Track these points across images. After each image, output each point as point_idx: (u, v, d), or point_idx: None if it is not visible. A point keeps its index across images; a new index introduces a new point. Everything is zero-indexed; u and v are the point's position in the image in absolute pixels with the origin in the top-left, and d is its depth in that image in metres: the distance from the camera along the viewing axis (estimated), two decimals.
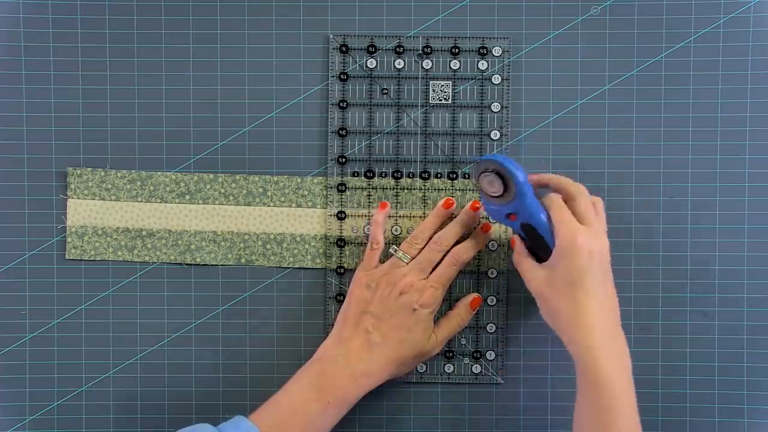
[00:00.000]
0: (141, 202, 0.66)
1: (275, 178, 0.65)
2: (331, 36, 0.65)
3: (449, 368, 0.66)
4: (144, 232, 0.66)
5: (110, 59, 0.66)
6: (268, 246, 0.66)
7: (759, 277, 0.66)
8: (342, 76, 0.65)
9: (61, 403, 0.66)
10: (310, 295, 0.66)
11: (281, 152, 0.66)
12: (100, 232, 0.65)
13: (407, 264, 0.62)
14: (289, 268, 0.66)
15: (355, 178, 0.66)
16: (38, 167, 0.66)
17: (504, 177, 0.58)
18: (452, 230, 0.63)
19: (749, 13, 0.66)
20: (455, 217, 0.64)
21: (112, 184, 0.65)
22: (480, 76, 0.65)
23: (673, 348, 0.66)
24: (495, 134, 0.65)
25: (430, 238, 0.63)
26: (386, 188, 0.66)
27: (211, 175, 0.66)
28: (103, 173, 0.65)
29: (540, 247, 0.59)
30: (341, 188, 0.66)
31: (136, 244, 0.66)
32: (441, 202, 0.64)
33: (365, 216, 0.66)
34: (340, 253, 0.66)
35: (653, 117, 0.66)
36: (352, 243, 0.66)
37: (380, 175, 0.66)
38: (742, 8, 0.66)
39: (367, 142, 0.66)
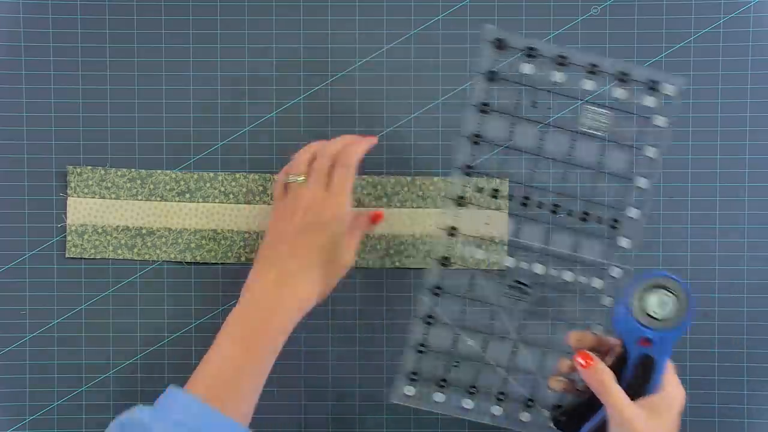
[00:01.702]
0: (141, 200, 0.65)
1: (275, 177, 0.65)
2: (487, 26, 0.59)
3: (525, 417, 0.62)
4: (144, 231, 0.65)
5: (110, 59, 0.66)
6: None
7: (759, 277, 0.66)
8: (490, 75, 0.59)
9: (61, 403, 0.66)
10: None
11: (282, 152, 0.66)
12: (100, 230, 0.65)
13: (301, 183, 0.59)
14: None
15: (479, 195, 0.61)
16: (38, 167, 0.66)
17: (679, 302, 0.53)
18: (340, 139, 0.61)
19: (749, 13, 0.66)
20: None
21: (112, 183, 0.65)
22: (642, 114, 0.59)
23: (673, 348, 0.66)
24: (644, 182, 0.60)
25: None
26: (512, 213, 0.60)
27: (211, 174, 0.66)
28: (102, 172, 0.65)
29: (636, 383, 0.54)
30: (460, 201, 0.61)
31: (136, 243, 0.65)
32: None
33: (479, 238, 0.60)
34: (442, 274, 0.61)
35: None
36: (457, 265, 0.62)
37: (508, 198, 0.60)
38: (742, 8, 0.66)
39: (503, 155, 0.59)
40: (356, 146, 0.60)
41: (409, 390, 0.63)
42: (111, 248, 0.65)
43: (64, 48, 0.66)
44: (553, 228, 0.61)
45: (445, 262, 0.62)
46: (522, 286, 0.61)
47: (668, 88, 0.58)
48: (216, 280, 0.66)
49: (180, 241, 0.66)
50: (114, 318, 0.66)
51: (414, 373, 0.63)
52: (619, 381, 0.54)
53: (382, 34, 0.66)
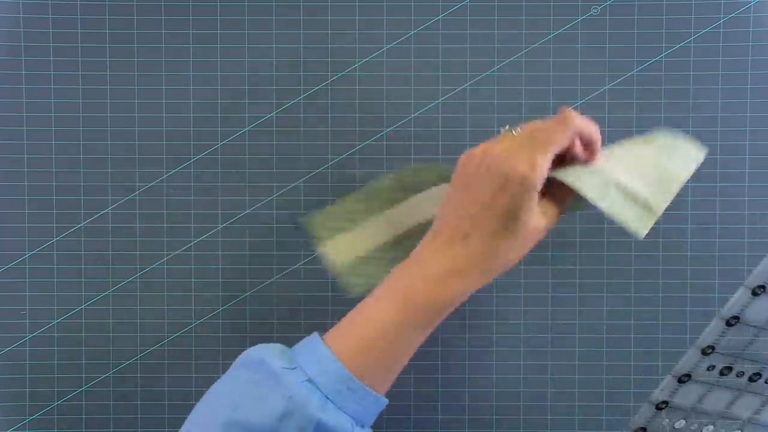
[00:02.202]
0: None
1: None
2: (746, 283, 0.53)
3: None
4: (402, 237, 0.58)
5: (110, 59, 0.66)
6: None
7: None
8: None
9: (61, 403, 0.66)
10: (309, 296, 0.66)
11: (281, 152, 0.66)
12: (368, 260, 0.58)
13: None
14: None
15: (709, 372, 0.55)
16: (38, 167, 0.66)
17: None
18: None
19: (749, 13, 0.66)
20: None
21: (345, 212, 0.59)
22: None
23: (673, 348, 0.66)
24: None
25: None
26: (725, 387, 0.55)
27: None
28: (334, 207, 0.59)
29: None
30: (684, 379, 0.57)
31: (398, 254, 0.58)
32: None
33: (688, 411, 0.56)
34: None
35: (653, 117, 0.66)
36: None
37: (737, 375, 0.55)
38: (742, 8, 0.66)
39: (750, 338, 0.54)
40: (584, 118, 0.52)
41: None
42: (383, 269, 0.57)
43: (64, 48, 0.66)
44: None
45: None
46: None
47: None
48: (216, 280, 0.66)
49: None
50: (114, 318, 0.66)
51: None
52: None
53: (382, 34, 0.66)
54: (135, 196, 0.66)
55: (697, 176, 0.66)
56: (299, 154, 0.66)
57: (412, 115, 0.66)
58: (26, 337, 0.66)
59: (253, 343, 0.66)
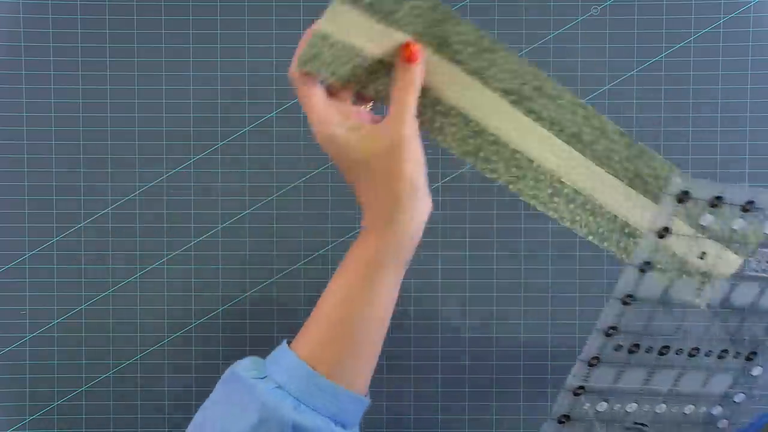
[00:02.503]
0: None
1: None
2: (674, 179, 0.51)
3: None
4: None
5: (110, 59, 0.66)
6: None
7: None
8: (662, 233, 0.51)
9: (61, 403, 0.66)
10: (309, 296, 0.66)
11: (281, 152, 0.66)
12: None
13: None
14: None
15: (616, 353, 0.54)
16: (38, 167, 0.66)
17: None
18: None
19: (749, 13, 0.66)
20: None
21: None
22: None
23: None
24: None
25: None
26: (642, 365, 0.54)
27: None
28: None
29: None
30: (593, 362, 0.54)
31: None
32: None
33: (605, 393, 0.55)
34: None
35: (653, 117, 0.66)
36: (576, 419, 0.55)
37: (646, 350, 0.54)
38: (742, 8, 0.66)
39: (648, 315, 0.53)
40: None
41: None
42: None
43: (64, 48, 0.66)
44: (687, 368, 0.55)
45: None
46: (640, 427, 0.57)
47: None
48: (216, 280, 0.66)
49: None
50: (114, 318, 0.66)
51: None
52: None
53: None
54: (135, 196, 0.66)
55: (698, 176, 0.66)
56: (299, 154, 0.66)
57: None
58: (26, 337, 0.66)
59: (253, 344, 0.66)
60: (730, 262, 0.52)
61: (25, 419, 0.66)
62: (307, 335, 0.49)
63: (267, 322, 0.66)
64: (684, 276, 0.52)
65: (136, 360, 0.67)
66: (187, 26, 0.66)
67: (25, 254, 0.66)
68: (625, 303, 0.53)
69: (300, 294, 0.66)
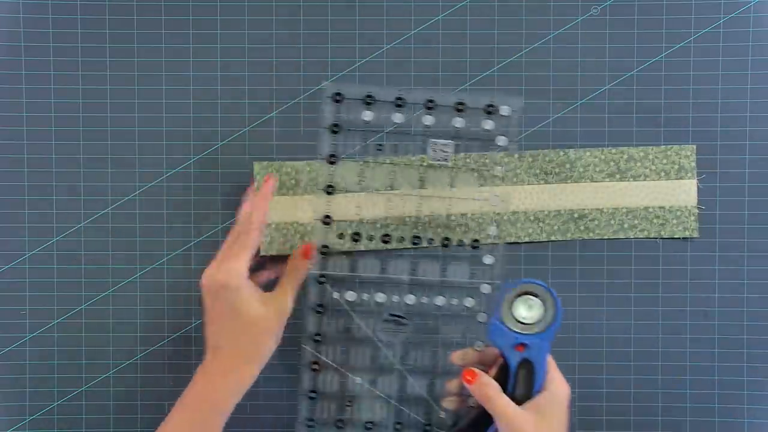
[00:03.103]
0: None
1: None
2: (324, 84, 0.61)
3: None
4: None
5: (110, 59, 0.66)
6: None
7: (759, 277, 0.66)
8: (334, 128, 0.61)
9: (61, 403, 0.66)
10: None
11: (281, 152, 0.66)
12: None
13: None
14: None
15: (341, 240, 0.62)
16: (38, 167, 0.66)
17: (545, 305, 0.57)
18: (248, 202, 0.62)
19: (749, 13, 0.66)
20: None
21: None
22: (484, 137, 0.61)
23: (673, 348, 0.66)
24: (495, 201, 0.62)
25: None
26: (376, 252, 0.63)
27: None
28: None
29: (521, 387, 0.57)
30: (324, 251, 0.62)
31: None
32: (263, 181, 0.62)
33: (347, 281, 0.62)
34: (318, 321, 0.62)
35: (653, 117, 0.66)
36: (332, 309, 0.63)
37: (368, 238, 0.63)
38: (742, 8, 0.66)
39: (356, 202, 0.62)
40: (257, 206, 0.60)
41: None
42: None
43: (64, 48, 0.66)
44: (418, 257, 0.63)
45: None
46: (397, 318, 0.62)
47: (504, 110, 0.60)
48: None
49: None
50: (114, 318, 0.66)
51: (310, 420, 0.63)
52: (505, 389, 0.56)
53: (382, 34, 0.66)
54: (135, 196, 0.66)
55: (697, 176, 0.66)
56: (299, 154, 0.66)
57: (412, 115, 0.66)
58: (26, 337, 0.66)
59: None
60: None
61: (25, 419, 0.66)
62: None
63: None
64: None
65: (136, 360, 0.67)
66: (187, 26, 0.66)
67: (25, 254, 0.66)
68: (327, 193, 0.61)
69: (300, 293, 0.66)
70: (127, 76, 0.66)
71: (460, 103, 0.60)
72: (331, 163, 0.61)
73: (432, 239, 0.62)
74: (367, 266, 0.63)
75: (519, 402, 0.56)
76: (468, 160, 0.63)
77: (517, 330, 0.57)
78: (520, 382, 0.57)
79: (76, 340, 0.66)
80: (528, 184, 0.65)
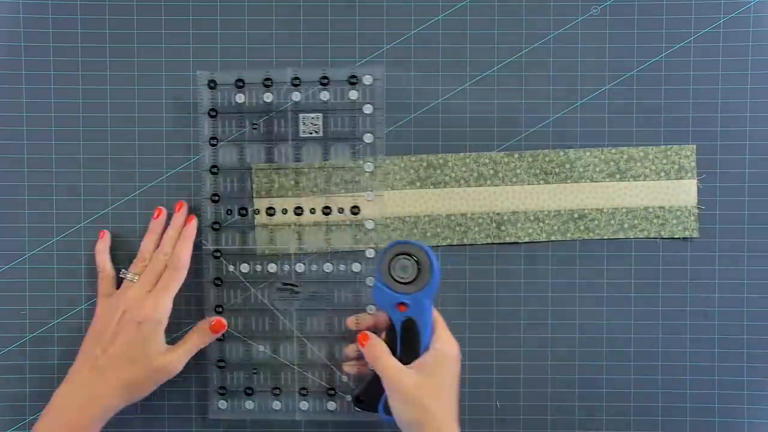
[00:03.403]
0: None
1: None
2: (198, 73, 0.64)
3: (332, 405, 0.66)
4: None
5: (110, 59, 0.66)
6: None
7: (759, 277, 0.66)
8: (211, 113, 0.64)
9: None
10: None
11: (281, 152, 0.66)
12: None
13: (131, 281, 0.62)
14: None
15: (229, 216, 0.65)
16: (38, 167, 0.66)
17: (420, 264, 0.58)
18: (168, 236, 0.63)
19: (749, 13, 0.66)
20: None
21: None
22: (351, 107, 0.64)
23: (673, 348, 0.66)
24: (369, 166, 0.64)
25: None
26: (262, 225, 0.65)
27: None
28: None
29: (408, 347, 0.59)
30: (215, 227, 0.65)
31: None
32: (153, 214, 0.64)
33: (240, 254, 0.65)
34: (218, 293, 0.65)
35: (653, 117, 0.66)
36: (230, 282, 0.65)
37: (254, 212, 0.65)
38: (742, 8, 0.66)
39: (240, 179, 0.65)
40: (185, 246, 0.63)
41: (222, 404, 0.66)
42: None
43: (64, 48, 0.66)
44: (303, 228, 0.65)
45: (217, 282, 0.66)
46: (290, 287, 0.65)
47: (367, 79, 0.64)
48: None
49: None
50: None
51: (222, 388, 0.66)
52: (394, 350, 0.59)
53: (382, 34, 0.66)
54: (135, 196, 0.66)
55: (697, 176, 0.66)
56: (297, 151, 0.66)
57: (412, 115, 0.66)
58: (26, 337, 0.66)
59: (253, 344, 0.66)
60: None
61: (25, 419, 0.66)
62: None
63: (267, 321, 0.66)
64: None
65: None
66: (187, 26, 0.66)
67: (25, 254, 0.66)
68: (212, 174, 0.65)
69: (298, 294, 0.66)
70: (127, 76, 0.66)
71: (324, 78, 0.64)
72: (213, 145, 0.64)
73: (313, 209, 0.65)
74: (257, 239, 0.65)
75: (407, 362, 0.58)
76: (336, 129, 0.65)
77: (396, 290, 0.59)
78: (406, 342, 0.59)
79: (76, 340, 0.66)
80: (528, 184, 0.66)
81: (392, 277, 0.59)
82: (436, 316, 0.60)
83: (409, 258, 0.59)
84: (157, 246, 0.63)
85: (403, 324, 0.59)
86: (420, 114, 0.66)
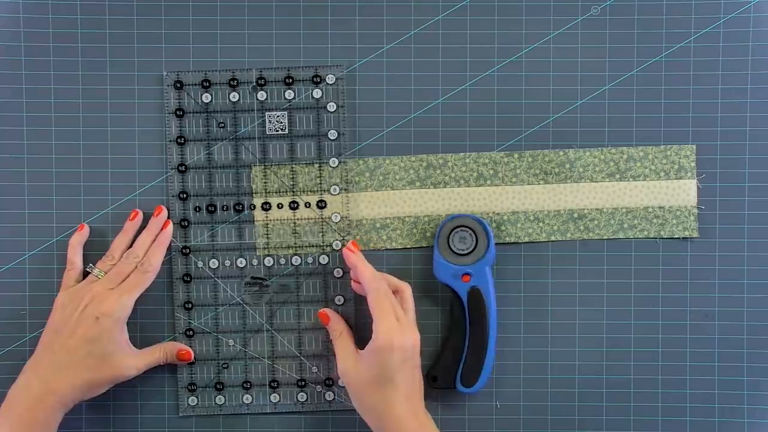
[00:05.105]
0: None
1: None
2: (165, 73, 0.65)
3: (302, 397, 0.66)
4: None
5: (110, 59, 0.66)
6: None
7: (759, 277, 0.66)
8: (178, 113, 0.65)
9: None
10: (307, 295, 0.66)
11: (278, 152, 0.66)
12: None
13: (97, 277, 0.63)
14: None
15: (198, 213, 0.66)
16: (38, 167, 0.66)
17: (477, 235, 0.63)
18: (143, 239, 0.64)
19: (749, 13, 0.66)
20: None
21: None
22: (315, 105, 0.65)
23: (673, 348, 0.66)
24: (333, 161, 0.65)
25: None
26: (228, 222, 0.66)
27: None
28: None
29: (477, 314, 0.63)
30: (184, 224, 0.66)
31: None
32: (129, 215, 0.65)
33: (210, 251, 0.66)
34: (187, 289, 0.66)
35: (653, 117, 0.66)
36: (199, 277, 0.66)
37: (222, 208, 0.66)
38: (742, 8, 0.66)
39: (208, 176, 0.65)
40: (158, 252, 0.64)
41: (192, 400, 0.66)
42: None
43: (64, 48, 0.66)
44: (270, 222, 0.66)
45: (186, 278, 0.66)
46: (259, 281, 0.66)
47: (330, 78, 0.65)
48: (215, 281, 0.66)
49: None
50: None
51: (192, 384, 0.66)
52: (464, 320, 0.63)
53: (382, 34, 0.66)
54: (135, 196, 0.66)
55: (698, 177, 0.66)
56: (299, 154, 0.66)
57: (412, 115, 0.66)
58: (26, 337, 0.66)
59: (253, 343, 0.66)
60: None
61: None
62: None
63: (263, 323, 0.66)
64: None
65: None
66: (186, 26, 0.66)
67: (25, 254, 0.66)
68: (180, 172, 0.65)
69: (297, 293, 0.66)
70: (126, 77, 0.66)
71: (288, 77, 0.65)
72: (180, 144, 0.65)
73: (281, 204, 0.65)
74: (224, 234, 0.66)
75: (476, 333, 0.62)
76: (302, 127, 0.66)
77: (457, 263, 0.62)
78: (473, 309, 0.63)
79: None
80: (528, 184, 0.66)
81: (452, 250, 0.63)
82: (380, 310, 0.59)
83: (466, 229, 0.62)
84: (129, 247, 0.64)
85: (469, 294, 0.62)
86: (420, 114, 0.66)
